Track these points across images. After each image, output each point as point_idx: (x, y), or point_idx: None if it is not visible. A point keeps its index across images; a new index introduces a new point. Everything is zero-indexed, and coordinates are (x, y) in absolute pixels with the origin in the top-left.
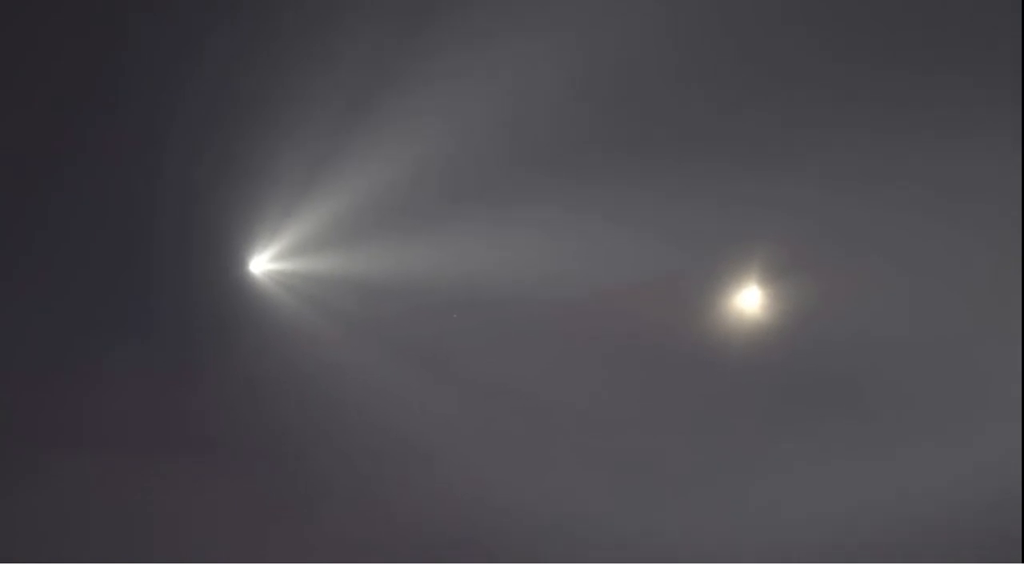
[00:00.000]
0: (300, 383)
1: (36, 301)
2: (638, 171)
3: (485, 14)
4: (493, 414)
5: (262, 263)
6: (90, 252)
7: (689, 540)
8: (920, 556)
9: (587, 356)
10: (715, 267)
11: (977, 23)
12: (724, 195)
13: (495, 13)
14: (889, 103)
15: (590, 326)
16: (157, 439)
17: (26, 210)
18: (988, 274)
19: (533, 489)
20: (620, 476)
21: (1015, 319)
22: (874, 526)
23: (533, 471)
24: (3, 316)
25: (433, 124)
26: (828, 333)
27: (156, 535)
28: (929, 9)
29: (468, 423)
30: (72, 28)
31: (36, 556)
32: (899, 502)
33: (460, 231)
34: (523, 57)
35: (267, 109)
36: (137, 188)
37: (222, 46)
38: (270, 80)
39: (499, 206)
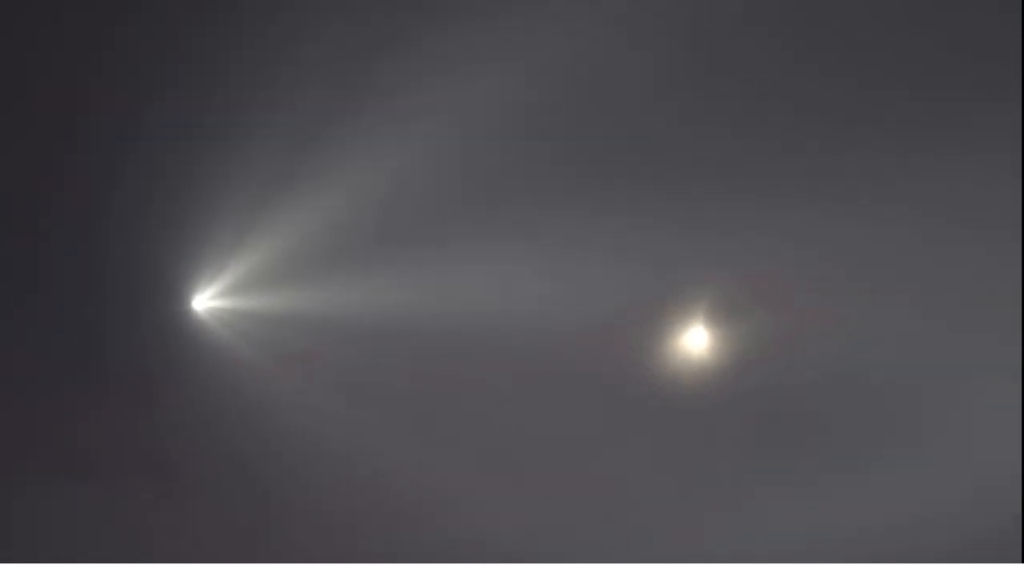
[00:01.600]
0: (246, 414)
1: None
2: (575, 209)
3: (435, 41)
4: (437, 443)
5: (204, 301)
6: (34, 288)
7: None
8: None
9: (529, 390)
10: (666, 301)
11: (967, 34)
12: (683, 221)
13: (444, 40)
14: (854, 123)
15: (531, 363)
16: (109, 467)
17: None
18: (960, 297)
19: (487, 519)
20: (570, 510)
21: (985, 349)
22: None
23: (483, 501)
24: None
25: (377, 160)
26: (781, 366)
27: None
28: (906, 21)
29: (410, 450)
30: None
31: None
32: (860, 540)
33: (404, 267)
34: (473, 89)
35: (212, 148)
36: (81, 229)
37: (167, 81)
38: (213, 120)
39: (445, 242)
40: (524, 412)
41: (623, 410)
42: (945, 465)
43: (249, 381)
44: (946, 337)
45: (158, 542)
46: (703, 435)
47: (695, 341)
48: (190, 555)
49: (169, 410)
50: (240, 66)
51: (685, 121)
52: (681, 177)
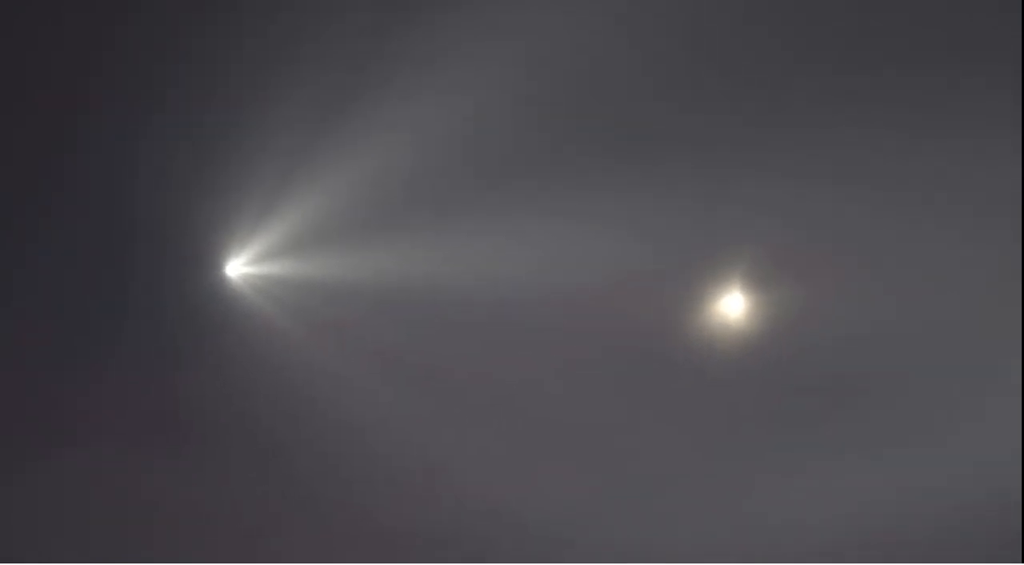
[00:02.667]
0: (276, 383)
1: (10, 301)
2: (613, 175)
3: (453, 19)
4: (467, 415)
5: (238, 266)
6: (65, 254)
7: (679, 542)
8: (920, 556)
9: (566, 359)
10: (698, 271)
11: (971, 20)
12: (707, 196)
13: (459, 20)
14: (876, 102)
15: (568, 329)
16: (137, 436)
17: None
18: (984, 273)
19: (515, 491)
20: (600, 479)
21: (1014, 317)
22: (873, 528)
23: (514, 473)
24: None
25: (404, 130)
26: (816, 337)
27: (135, 528)
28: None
29: (442, 424)
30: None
31: (27, 552)
32: (898, 503)
33: (434, 235)
34: (490, 62)
35: (240, 114)
36: (112, 194)
37: (196, 48)
38: (243, 84)
39: (476, 210)
40: (556, 381)
41: (656, 378)
42: (975, 443)
43: (281, 348)
44: (985, 314)
45: (182, 512)
46: (735, 404)
47: (730, 308)
48: (215, 527)
49: (202, 376)
50: (270, 30)
51: (697, 110)
52: (712, 154)
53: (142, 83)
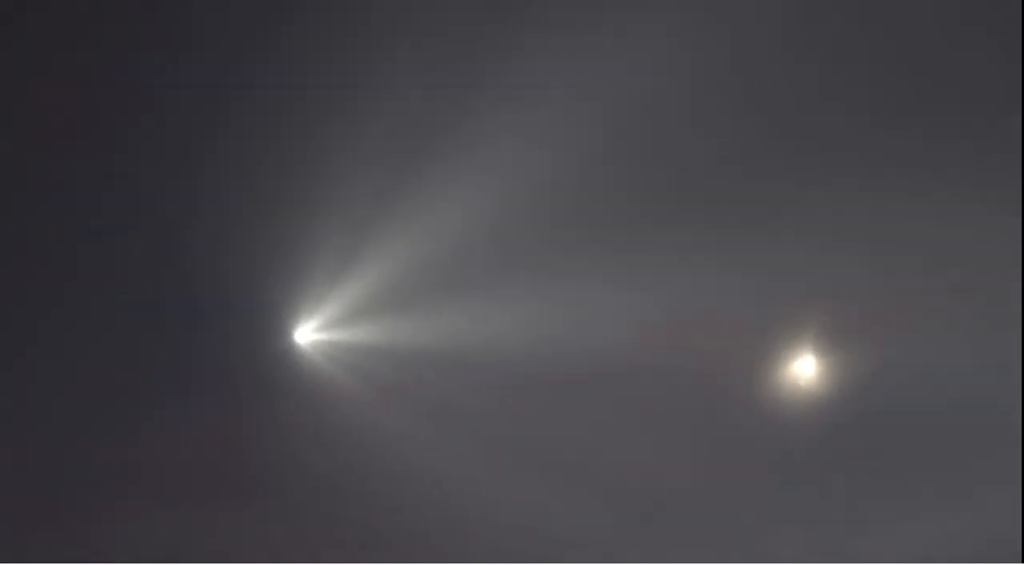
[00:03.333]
0: (345, 445)
1: (85, 360)
2: (677, 237)
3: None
4: (527, 479)
5: (307, 333)
6: (136, 319)
7: None
8: None
9: (635, 421)
10: (767, 334)
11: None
12: (770, 263)
13: (523, 86)
14: (941, 167)
15: (637, 392)
16: (203, 492)
17: (78, 274)
18: None
19: (581, 550)
20: (665, 538)
21: None
22: None
23: (580, 532)
24: (55, 374)
25: (467, 197)
26: (880, 403)
27: None
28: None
29: (510, 482)
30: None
31: None
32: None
33: (498, 297)
34: (550, 127)
35: (310, 183)
36: (185, 260)
37: (259, 108)
38: (315, 160)
39: (538, 274)
40: (624, 443)
41: (727, 439)
42: None
43: (349, 411)
44: None
45: None
46: (808, 464)
47: (802, 370)
48: None
49: (271, 440)
50: (345, 107)
51: (760, 175)
52: (777, 217)
53: (219, 157)
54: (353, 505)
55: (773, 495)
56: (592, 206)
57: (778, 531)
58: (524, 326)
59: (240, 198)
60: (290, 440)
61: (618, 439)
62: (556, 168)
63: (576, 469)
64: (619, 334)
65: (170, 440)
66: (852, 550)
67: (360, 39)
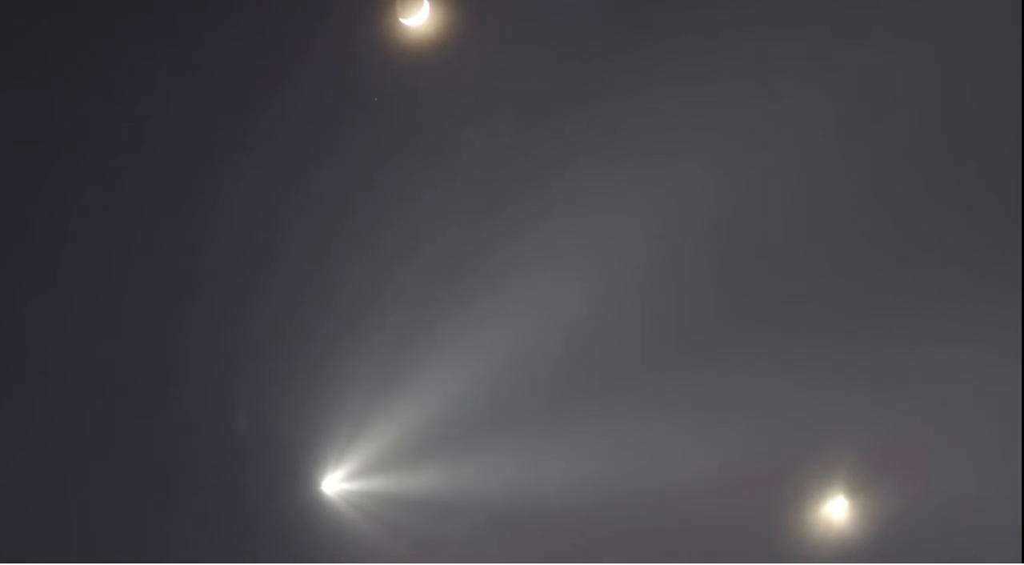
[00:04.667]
0: None
1: (104, 505)
2: (709, 377)
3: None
4: None
5: (334, 483)
6: (157, 465)
7: None
8: None
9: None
10: (801, 474)
11: None
12: (803, 399)
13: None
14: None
15: (670, 532)
16: None
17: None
18: None
19: None
20: None
21: None
22: None
23: None
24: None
25: (500, 344)
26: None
27: None
28: None
29: None
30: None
31: None
32: None
33: (526, 447)
34: (583, 269)
35: (336, 335)
36: (206, 411)
37: (282, 271)
38: (333, 300)
39: (570, 419)
40: None
41: None
42: None
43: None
44: None
45: None
46: None
47: (835, 511)
48: None
49: None
50: (377, 253)
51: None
52: (816, 344)
53: (224, 307)
54: None
55: None
56: (615, 349)
57: None
58: (554, 477)
59: (267, 346)
60: None
61: None
62: (591, 308)
63: None
64: (653, 478)
65: None
66: None
67: (388, 184)
